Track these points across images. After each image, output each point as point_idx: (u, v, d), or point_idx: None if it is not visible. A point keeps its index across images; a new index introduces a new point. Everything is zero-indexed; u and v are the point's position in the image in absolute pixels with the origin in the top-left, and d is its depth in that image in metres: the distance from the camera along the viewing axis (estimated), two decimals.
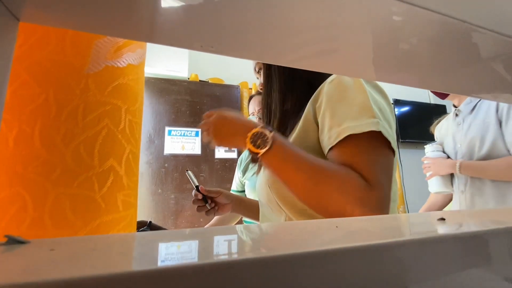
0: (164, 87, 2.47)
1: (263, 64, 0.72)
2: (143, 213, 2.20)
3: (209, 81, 2.65)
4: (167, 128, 2.41)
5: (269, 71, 0.68)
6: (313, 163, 0.47)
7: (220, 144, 0.57)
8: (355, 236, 0.20)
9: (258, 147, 0.49)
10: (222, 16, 0.25)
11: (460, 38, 0.28)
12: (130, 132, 0.31)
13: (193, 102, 2.52)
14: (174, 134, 2.42)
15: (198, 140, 2.44)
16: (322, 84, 0.59)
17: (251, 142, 0.50)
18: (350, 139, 0.47)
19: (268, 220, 0.66)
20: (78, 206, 0.25)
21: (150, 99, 2.41)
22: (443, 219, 0.25)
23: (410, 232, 0.23)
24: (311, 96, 0.60)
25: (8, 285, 0.10)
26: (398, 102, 3.18)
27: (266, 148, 0.48)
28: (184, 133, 2.44)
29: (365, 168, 0.45)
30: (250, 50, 0.30)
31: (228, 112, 0.57)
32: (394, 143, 0.50)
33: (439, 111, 3.22)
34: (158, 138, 2.36)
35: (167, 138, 2.38)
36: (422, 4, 0.23)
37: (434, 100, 3.44)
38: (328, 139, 0.50)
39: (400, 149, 3.11)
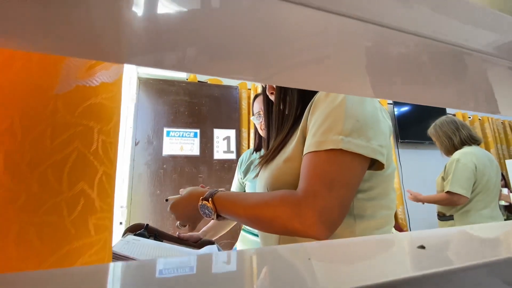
0: (163, 88, 2.46)
1: None
2: (142, 215, 2.20)
3: (208, 82, 2.64)
4: (165, 129, 2.40)
5: None
6: (248, 204, 0.55)
7: (188, 221, 0.71)
8: (326, 273, 0.19)
9: (209, 214, 0.61)
10: (194, 35, 0.24)
11: (448, 57, 0.27)
12: (104, 153, 0.30)
13: (192, 103, 2.51)
14: (173, 135, 2.42)
15: (196, 141, 2.44)
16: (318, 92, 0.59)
17: (203, 214, 0.63)
18: (311, 154, 0.51)
19: None
20: (45, 233, 0.25)
21: (149, 100, 2.41)
22: (423, 247, 0.24)
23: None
24: None
25: None
26: (397, 102, 3.16)
27: (213, 214, 0.60)
28: (182, 134, 2.44)
29: (304, 180, 0.49)
30: (230, 69, 0.29)
31: (177, 198, 0.71)
32: (367, 153, 0.49)
33: (438, 111, 3.20)
34: (156, 139, 2.36)
35: (165, 139, 2.38)
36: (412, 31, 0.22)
37: None
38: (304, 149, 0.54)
39: (399, 149, 3.10)
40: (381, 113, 0.58)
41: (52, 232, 0.25)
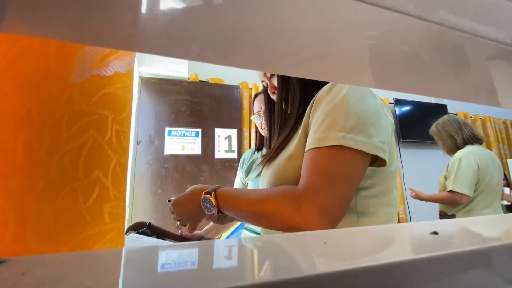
0: (164, 87, 2.46)
1: None
2: (144, 214, 2.20)
3: (209, 81, 2.64)
4: (167, 129, 2.40)
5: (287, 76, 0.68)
6: (250, 199, 0.55)
7: (189, 220, 0.70)
8: (344, 256, 0.19)
9: (211, 209, 0.61)
10: (206, 23, 0.24)
11: (454, 45, 0.27)
12: (117, 142, 0.30)
13: (193, 102, 2.51)
14: (174, 134, 2.42)
15: (198, 141, 2.44)
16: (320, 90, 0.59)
17: (204, 208, 0.63)
18: (313, 150, 0.51)
19: None
20: (62, 220, 0.25)
21: (150, 99, 2.41)
22: (436, 233, 0.25)
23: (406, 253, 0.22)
24: None
25: None
26: (398, 102, 3.16)
27: (214, 208, 0.60)
28: (184, 133, 2.44)
29: (305, 176, 0.49)
30: (240, 57, 0.29)
31: (176, 198, 0.71)
32: (368, 149, 0.49)
33: (440, 111, 3.20)
34: (158, 139, 2.36)
35: (167, 138, 2.38)
36: (416, 14, 0.22)
37: (435, 99, 3.42)
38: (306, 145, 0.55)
39: (400, 149, 3.10)
40: (382, 110, 0.58)
41: (69, 218, 0.25)
